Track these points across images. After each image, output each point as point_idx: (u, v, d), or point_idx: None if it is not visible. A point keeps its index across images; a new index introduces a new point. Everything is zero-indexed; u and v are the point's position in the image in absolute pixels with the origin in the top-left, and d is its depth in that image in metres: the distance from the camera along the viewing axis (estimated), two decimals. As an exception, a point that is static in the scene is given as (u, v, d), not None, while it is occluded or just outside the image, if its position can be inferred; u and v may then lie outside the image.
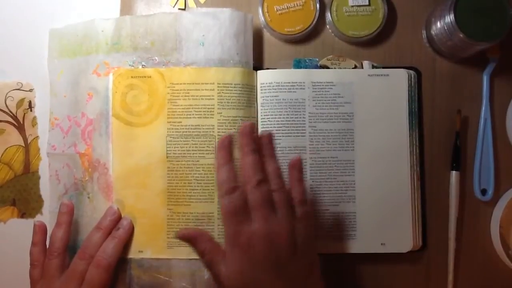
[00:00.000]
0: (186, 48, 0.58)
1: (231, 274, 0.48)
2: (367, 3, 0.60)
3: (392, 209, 0.59)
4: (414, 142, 0.60)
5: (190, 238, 0.50)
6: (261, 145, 0.51)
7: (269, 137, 0.51)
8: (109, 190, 0.57)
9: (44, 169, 0.61)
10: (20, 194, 0.61)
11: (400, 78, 0.60)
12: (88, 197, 0.58)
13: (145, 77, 0.58)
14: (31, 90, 0.62)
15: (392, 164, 0.59)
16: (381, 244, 0.59)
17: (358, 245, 0.59)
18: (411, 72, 0.60)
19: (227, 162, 0.49)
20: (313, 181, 0.59)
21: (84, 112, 0.59)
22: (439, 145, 0.62)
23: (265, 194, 0.49)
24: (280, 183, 0.50)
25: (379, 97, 0.60)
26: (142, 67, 0.58)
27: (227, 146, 0.50)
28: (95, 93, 0.58)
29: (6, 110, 0.61)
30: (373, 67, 0.60)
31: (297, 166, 0.52)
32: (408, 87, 0.60)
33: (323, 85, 0.59)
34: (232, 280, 0.48)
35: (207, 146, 0.57)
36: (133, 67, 0.58)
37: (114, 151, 0.57)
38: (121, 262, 0.56)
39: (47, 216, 0.60)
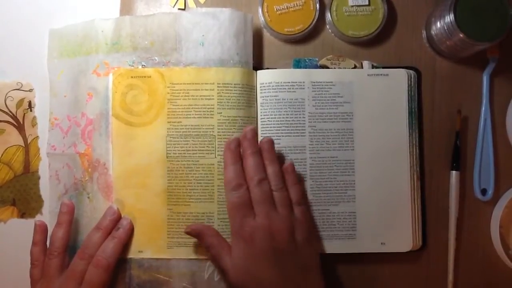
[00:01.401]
0: (186, 48, 0.58)
1: (235, 264, 0.52)
2: (367, 3, 0.60)
3: (392, 209, 0.59)
4: (414, 142, 0.60)
5: (197, 233, 0.55)
6: (262, 150, 0.56)
7: (268, 143, 0.56)
8: (109, 190, 0.57)
9: (44, 169, 0.61)
10: (20, 194, 0.61)
11: (400, 78, 0.60)
12: (88, 197, 0.58)
13: (145, 77, 0.58)
14: (31, 90, 0.62)
15: (392, 164, 0.59)
16: (381, 244, 0.59)
17: (358, 245, 0.59)
18: (411, 72, 0.60)
19: (234, 163, 0.55)
20: (313, 181, 0.59)
21: (84, 112, 0.59)
22: (439, 145, 0.62)
23: (266, 192, 0.54)
24: (279, 184, 0.55)
25: (379, 97, 0.59)
26: (142, 67, 0.58)
27: (233, 148, 0.55)
28: (95, 93, 0.58)
29: (6, 110, 0.61)
30: (373, 67, 0.60)
31: (290, 171, 0.56)
32: (408, 87, 0.60)
33: (322, 85, 0.59)
34: (236, 270, 0.52)
35: (207, 146, 0.57)
36: (133, 67, 0.58)
37: (114, 151, 0.57)
38: (121, 262, 0.56)
39: (47, 216, 0.60)
